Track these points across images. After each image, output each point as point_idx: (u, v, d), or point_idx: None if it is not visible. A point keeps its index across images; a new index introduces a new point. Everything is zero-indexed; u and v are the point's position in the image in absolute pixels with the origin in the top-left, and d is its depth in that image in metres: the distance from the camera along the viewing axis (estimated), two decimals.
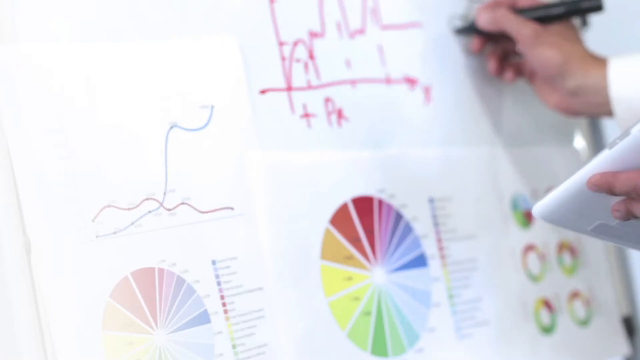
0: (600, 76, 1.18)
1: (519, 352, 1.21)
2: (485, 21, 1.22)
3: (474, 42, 1.25)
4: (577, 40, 1.22)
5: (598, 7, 1.22)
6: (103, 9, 0.96)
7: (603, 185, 0.91)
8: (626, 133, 0.89)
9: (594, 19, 1.26)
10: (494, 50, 1.26)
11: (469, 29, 1.25)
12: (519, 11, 1.22)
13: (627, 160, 0.90)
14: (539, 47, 1.19)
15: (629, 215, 0.93)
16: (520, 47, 1.21)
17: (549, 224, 0.97)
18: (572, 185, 0.93)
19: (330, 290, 1.06)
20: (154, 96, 0.97)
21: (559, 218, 0.96)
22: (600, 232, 0.97)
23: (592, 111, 1.21)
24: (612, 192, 0.91)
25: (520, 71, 1.26)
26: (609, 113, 1.19)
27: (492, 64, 1.25)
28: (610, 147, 0.90)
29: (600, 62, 1.19)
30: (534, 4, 1.23)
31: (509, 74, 1.25)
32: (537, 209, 0.96)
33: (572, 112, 1.22)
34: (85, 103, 0.93)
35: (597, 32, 1.30)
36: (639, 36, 1.29)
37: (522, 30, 1.19)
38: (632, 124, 0.89)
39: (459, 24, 1.25)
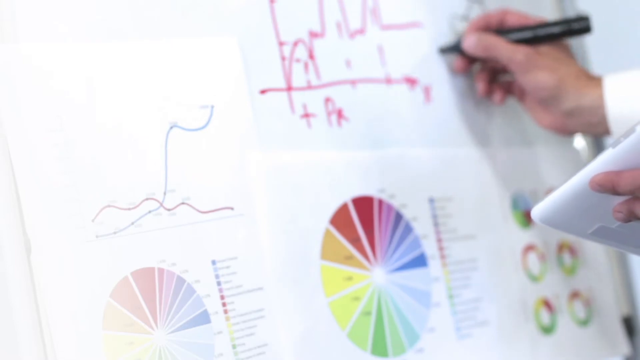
0: (596, 96, 1.17)
1: (519, 352, 1.21)
2: (473, 46, 1.20)
3: (458, 62, 1.23)
4: (570, 61, 1.21)
5: (587, 29, 1.21)
6: (103, 9, 0.96)
7: (606, 185, 0.90)
8: (631, 131, 0.87)
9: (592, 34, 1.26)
10: (481, 72, 1.24)
11: (454, 49, 1.23)
12: (506, 32, 1.21)
13: (631, 158, 0.89)
14: (533, 71, 1.18)
15: (631, 217, 0.92)
16: (513, 72, 1.19)
17: (549, 227, 0.96)
18: (573, 186, 0.92)
19: (330, 290, 1.06)
20: (154, 96, 0.97)
21: (559, 221, 0.95)
22: (600, 235, 0.96)
23: (588, 130, 1.21)
24: (615, 191, 0.90)
25: (509, 90, 1.25)
26: (606, 132, 1.19)
27: (480, 86, 1.23)
28: (614, 146, 0.89)
29: (595, 81, 1.19)
30: (522, 23, 1.21)
31: (497, 96, 1.24)
32: (537, 211, 0.95)
33: (567, 132, 1.22)
34: (85, 103, 0.93)
35: (594, 46, 1.31)
36: (634, 52, 1.29)
37: (513, 56, 1.18)
38: (637, 121, 0.89)
39: (445, 43, 1.23)
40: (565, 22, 1.21)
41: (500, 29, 1.22)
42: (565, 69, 1.19)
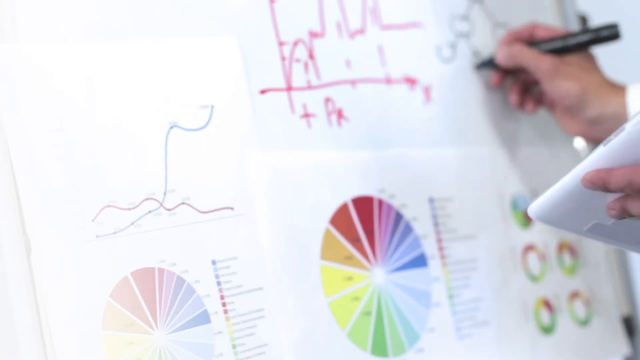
0: (619, 104, 1.20)
1: (519, 352, 1.21)
2: (503, 57, 1.24)
3: (493, 77, 1.27)
4: (595, 70, 1.24)
5: (615, 36, 1.24)
6: (103, 9, 0.96)
7: (598, 182, 0.91)
8: (621, 129, 0.89)
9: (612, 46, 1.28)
10: (514, 84, 1.28)
11: (489, 64, 1.26)
12: (536, 43, 1.24)
13: (621, 156, 0.90)
14: (557, 79, 1.21)
15: (624, 213, 0.92)
16: (539, 81, 1.23)
17: (545, 224, 0.97)
18: (567, 184, 0.93)
19: (330, 290, 1.06)
20: (154, 96, 0.97)
21: (555, 218, 0.96)
22: (596, 232, 0.97)
23: None
24: (607, 188, 0.91)
25: (540, 101, 1.28)
26: None
27: (513, 98, 1.27)
28: (605, 144, 0.90)
29: (618, 89, 1.21)
30: (552, 35, 1.24)
31: (529, 106, 1.28)
32: (533, 209, 0.96)
33: (593, 139, 1.25)
34: (85, 103, 0.93)
35: (614, 58, 1.32)
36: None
37: (539, 64, 1.22)
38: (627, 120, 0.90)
39: (480, 59, 1.27)
40: (594, 30, 1.24)
41: (531, 42, 1.25)
42: (590, 78, 1.22)
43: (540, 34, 1.25)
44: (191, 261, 0.96)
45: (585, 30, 1.24)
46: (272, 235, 1.02)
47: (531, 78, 1.26)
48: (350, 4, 1.15)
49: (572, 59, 1.23)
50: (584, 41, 1.23)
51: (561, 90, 1.21)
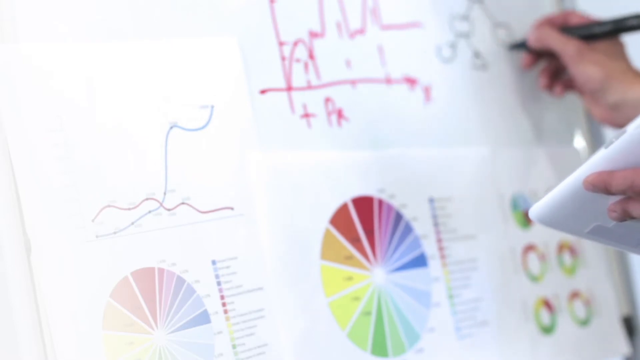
0: None
1: (519, 352, 1.21)
2: (533, 39, 1.28)
3: (524, 58, 1.31)
4: (621, 57, 1.26)
5: None
6: (103, 9, 0.96)
7: (599, 185, 0.91)
8: (622, 132, 0.89)
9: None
10: (546, 67, 1.31)
11: (521, 46, 1.30)
12: (567, 29, 1.27)
13: (623, 158, 0.90)
14: (582, 64, 1.24)
15: (625, 216, 0.92)
16: (565, 63, 1.26)
17: (546, 226, 0.97)
18: (568, 186, 0.93)
19: (330, 290, 1.06)
20: (154, 96, 0.97)
21: (556, 220, 0.95)
22: (597, 234, 0.96)
23: None
24: (608, 191, 0.91)
25: (570, 86, 1.31)
26: None
27: (543, 80, 1.31)
28: (607, 147, 0.90)
29: None
30: (583, 22, 1.27)
31: (558, 89, 1.31)
32: (534, 211, 0.96)
33: (616, 125, 1.26)
34: (85, 103, 0.93)
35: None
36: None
37: (565, 48, 1.25)
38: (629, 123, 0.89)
39: (514, 40, 1.31)
40: (621, 19, 1.26)
41: (564, 28, 1.28)
42: (614, 64, 1.24)
43: (574, 20, 1.28)
44: (191, 261, 0.96)
45: (614, 19, 1.26)
46: (272, 235, 1.02)
47: (561, 64, 1.29)
48: (350, 4, 1.15)
49: (600, 45, 1.26)
50: (609, 29, 1.26)
51: (585, 74, 1.24)
